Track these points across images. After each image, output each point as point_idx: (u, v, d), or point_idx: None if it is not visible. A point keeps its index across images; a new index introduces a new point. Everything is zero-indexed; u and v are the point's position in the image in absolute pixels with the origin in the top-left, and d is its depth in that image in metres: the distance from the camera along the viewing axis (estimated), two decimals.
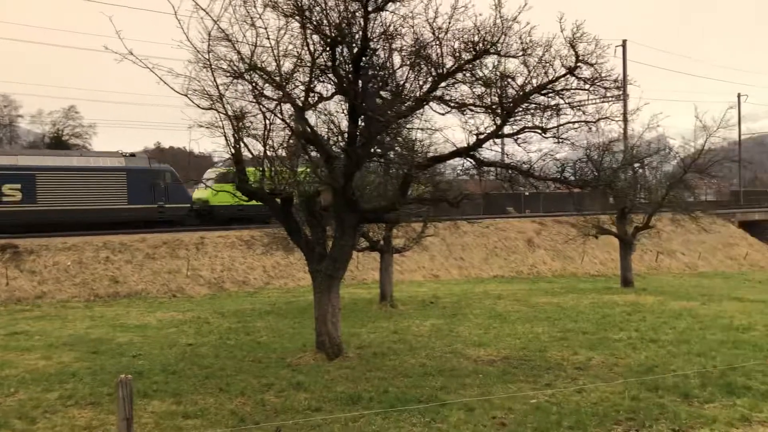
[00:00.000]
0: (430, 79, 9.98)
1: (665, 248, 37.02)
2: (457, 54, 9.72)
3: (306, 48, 9.71)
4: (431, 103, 10.28)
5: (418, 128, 11.52)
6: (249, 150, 10.88)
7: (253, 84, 10.08)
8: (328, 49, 9.59)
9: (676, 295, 21.31)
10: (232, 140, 10.57)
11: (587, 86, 9.94)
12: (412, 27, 9.64)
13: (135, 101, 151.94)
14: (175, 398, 8.69)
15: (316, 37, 9.62)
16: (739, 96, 66.06)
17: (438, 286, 25.57)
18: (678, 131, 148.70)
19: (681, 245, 38.24)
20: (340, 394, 8.65)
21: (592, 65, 9.66)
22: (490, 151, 11.37)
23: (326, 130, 10.52)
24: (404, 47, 9.98)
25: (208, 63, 9.89)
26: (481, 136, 10.43)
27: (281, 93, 9.89)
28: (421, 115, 10.98)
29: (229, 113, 10.28)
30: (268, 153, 10.84)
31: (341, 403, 8.27)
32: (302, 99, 10.00)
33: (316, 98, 10.18)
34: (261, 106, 10.32)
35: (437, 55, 9.74)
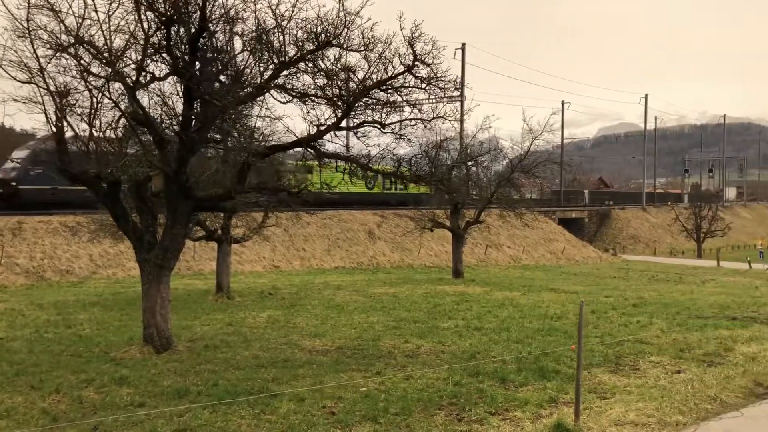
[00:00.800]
0: (271, 67, 9.84)
1: (493, 242, 39.51)
2: (300, 43, 9.66)
3: (139, 25, 9.17)
4: (272, 91, 10.15)
5: (258, 116, 11.35)
6: (73, 129, 10.12)
7: (79, 59, 9.36)
8: (162, 27, 9.12)
9: (501, 286, 22.82)
10: (54, 118, 9.76)
11: (424, 85, 10.30)
12: (254, 12, 9.45)
13: None
14: None
15: (150, 14, 9.11)
16: (563, 103, 72.31)
17: (278, 277, 25.40)
18: (508, 133, 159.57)
19: (507, 239, 41.01)
20: (166, 389, 8.31)
21: (428, 65, 10.01)
22: (332, 144, 11.48)
23: (159, 112, 10.03)
24: (245, 32, 9.77)
25: (27, 32, 9.05)
26: (322, 128, 10.47)
27: (110, 70, 9.27)
28: (262, 102, 10.83)
29: (51, 89, 9.47)
30: (95, 133, 10.13)
31: (167, 398, 7.95)
32: (133, 78, 9.44)
33: (149, 78, 9.66)
34: (87, 83, 9.63)
35: (280, 42, 9.61)
